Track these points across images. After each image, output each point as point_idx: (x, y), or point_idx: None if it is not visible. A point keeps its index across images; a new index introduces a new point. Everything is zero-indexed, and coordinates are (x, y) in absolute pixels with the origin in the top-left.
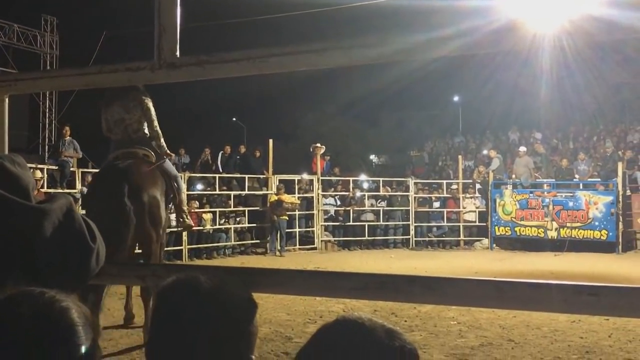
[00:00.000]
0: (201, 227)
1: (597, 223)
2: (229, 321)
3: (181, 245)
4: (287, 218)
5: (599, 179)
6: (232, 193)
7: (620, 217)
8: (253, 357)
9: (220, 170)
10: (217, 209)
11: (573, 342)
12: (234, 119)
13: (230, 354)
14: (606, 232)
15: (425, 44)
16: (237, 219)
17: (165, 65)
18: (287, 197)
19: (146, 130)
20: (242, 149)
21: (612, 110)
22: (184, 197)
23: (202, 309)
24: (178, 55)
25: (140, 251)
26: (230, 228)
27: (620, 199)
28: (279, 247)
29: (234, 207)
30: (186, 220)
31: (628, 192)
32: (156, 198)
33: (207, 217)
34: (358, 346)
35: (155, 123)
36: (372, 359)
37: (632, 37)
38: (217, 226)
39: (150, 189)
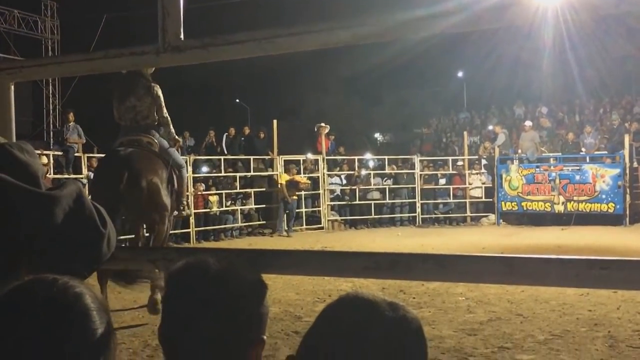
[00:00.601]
0: (208, 210)
1: (604, 196)
2: (239, 303)
3: (189, 228)
4: (297, 198)
5: (606, 152)
6: (238, 175)
7: (628, 190)
8: (264, 337)
9: (225, 152)
10: (224, 191)
11: (582, 315)
12: (237, 100)
13: (241, 335)
14: (613, 205)
15: (427, 20)
16: (244, 201)
17: (169, 48)
18: (300, 177)
19: (156, 117)
20: (247, 131)
21: (617, 83)
22: (184, 188)
23: (212, 291)
24: (182, 39)
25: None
26: (237, 210)
27: (628, 172)
28: (286, 227)
29: (240, 189)
30: (183, 211)
31: (635, 165)
32: (156, 184)
33: (214, 199)
34: (363, 320)
35: (165, 110)
36: (377, 330)
37: (638, 8)
38: (224, 208)
39: (150, 175)
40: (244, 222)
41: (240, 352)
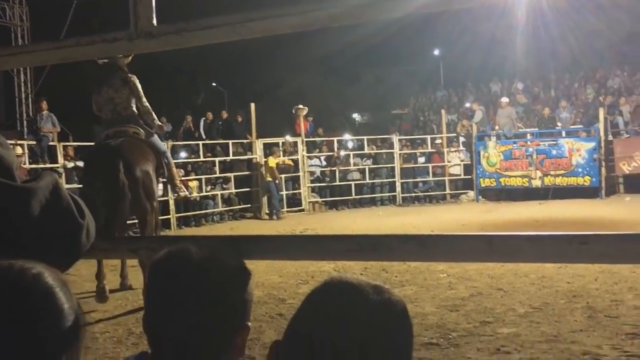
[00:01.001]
0: (188, 195)
1: (580, 169)
2: (222, 290)
3: (169, 215)
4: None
5: (581, 126)
6: (217, 159)
7: (603, 163)
8: (249, 323)
9: (204, 137)
10: (203, 176)
11: (560, 288)
12: (214, 84)
13: (226, 322)
14: (589, 178)
15: (402, 0)
16: (224, 185)
17: (142, 35)
18: (287, 160)
19: (134, 108)
20: (224, 115)
21: (590, 58)
22: (174, 171)
23: (195, 279)
24: (155, 24)
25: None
26: (217, 194)
27: (603, 145)
28: (274, 210)
29: (219, 173)
30: (180, 192)
31: (610, 138)
32: (149, 173)
33: (193, 184)
34: (348, 303)
35: (144, 99)
36: (362, 313)
37: None
38: (204, 193)
39: (143, 164)
40: (225, 207)
41: (224, 339)
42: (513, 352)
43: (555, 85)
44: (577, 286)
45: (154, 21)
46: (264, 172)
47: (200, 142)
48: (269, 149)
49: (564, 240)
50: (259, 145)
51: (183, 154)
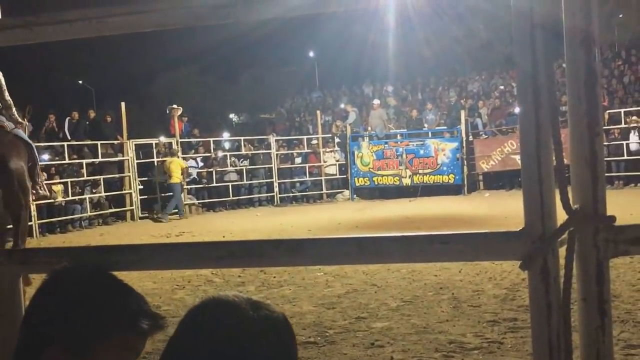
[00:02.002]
0: (52, 200)
1: (445, 168)
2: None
3: (30, 221)
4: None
5: (445, 127)
6: (85, 161)
7: (465, 162)
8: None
9: (69, 138)
10: (69, 180)
11: (429, 280)
12: (80, 81)
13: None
14: (453, 176)
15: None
16: (93, 189)
17: None
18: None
19: (4, 102)
20: (92, 114)
21: (453, 63)
22: (38, 167)
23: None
24: (0, 17)
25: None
26: (85, 198)
27: (464, 145)
28: (169, 211)
29: (87, 176)
30: (40, 190)
31: (471, 138)
32: (22, 167)
33: (58, 188)
34: (226, 323)
35: (7, 94)
36: (241, 332)
37: None
38: (70, 198)
39: (15, 158)
40: (94, 211)
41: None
42: (386, 346)
43: (422, 88)
44: (444, 278)
45: None
46: (165, 172)
47: (66, 143)
48: (141, 150)
49: (426, 241)
50: (130, 146)
51: (46, 156)
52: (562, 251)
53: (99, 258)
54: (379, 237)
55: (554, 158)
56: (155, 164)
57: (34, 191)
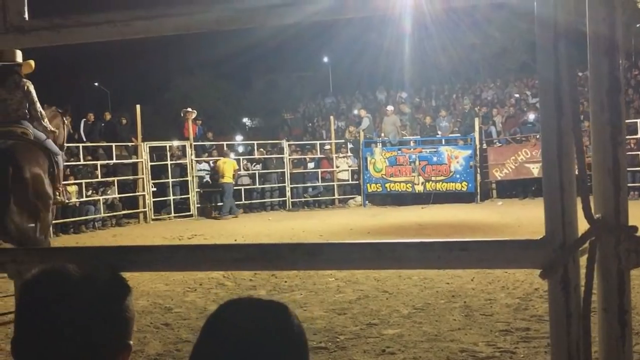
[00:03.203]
0: (66, 201)
1: (458, 176)
2: (100, 311)
3: None
4: None
5: (459, 135)
6: (99, 163)
7: (478, 170)
8: (130, 342)
9: (84, 139)
10: (83, 181)
11: (440, 288)
12: (96, 83)
13: (105, 344)
14: (466, 184)
15: (292, 7)
16: (106, 190)
17: (12, 29)
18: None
19: (27, 111)
20: (107, 116)
21: (467, 70)
22: (61, 174)
23: (71, 302)
24: (27, 18)
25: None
26: (99, 200)
27: (478, 153)
28: (231, 210)
29: (101, 178)
30: (58, 197)
31: (484, 146)
32: (39, 174)
33: (72, 189)
34: (246, 324)
35: (37, 105)
36: (259, 332)
37: (484, 2)
38: (84, 199)
39: (32, 166)
40: (108, 213)
41: None
42: (397, 353)
43: (436, 95)
44: (456, 286)
45: (26, 15)
46: (220, 172)
47: (81, 145)
48: (155, 152)
49: (445, 247)
50: (144, 148)
51: None
52: (583, 260)
53: (117, 258)
54: (397, 242)
55: (575, 167)
56: (211, 164)
57: (55, 196)
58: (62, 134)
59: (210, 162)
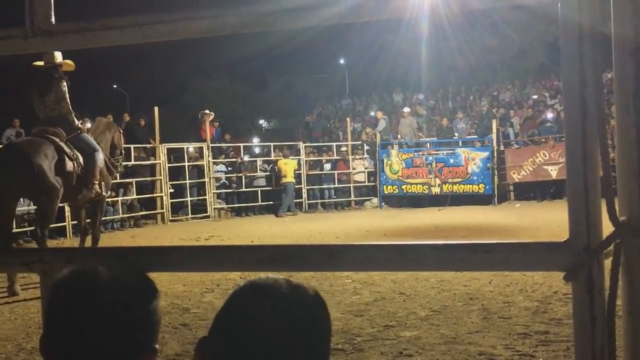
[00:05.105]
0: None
1: (475, 178)
2: (129, 314)
3: (64, 222)
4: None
5: (476, 136)
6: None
7: (496, 172)
8: (156, 346)
9: None
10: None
11: (458, 290)
12: (115, 86)
13: (132, 347)
14: (483, 186)
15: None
16: (125, 191)
17: (39, 33)
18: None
19: (62, 110)
20: (127, 118)
21: (484, 72)
22: (95, 171)
23: (99, 303)
24: (53, 22)
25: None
26: (118, 201)
27: (495, 155)
28: (290, 208)
29: (120, 179)
30: (91, 192)
31: (502, 148)
32: (41, 166)
33: None
34: (270, 302)
35: (67, 101)
36: (282, 313)
37: (500, 4)
38: None
39: (36, 158)
40: (126, 214)
41: None
42: (415, 355)
43: (452, 97)
44: (473, 289)
45: (52, 19)
46: (283, 173)
47: None
48: (173, 154)
49: (468, 250)
50: (162, 150)
51: None
52: (607, 263)
53: (142, 258)
54: (420, 244)
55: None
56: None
57: (85, 192)
58: (116, 141)
59: (226, 163)
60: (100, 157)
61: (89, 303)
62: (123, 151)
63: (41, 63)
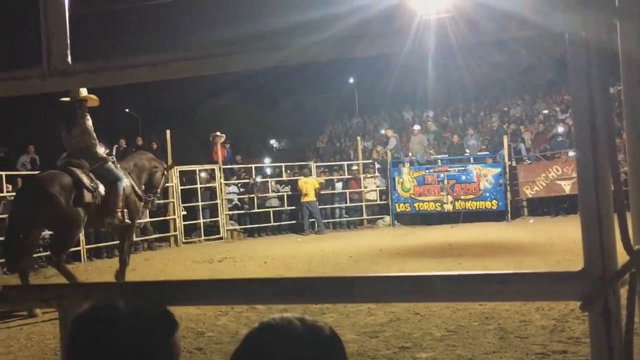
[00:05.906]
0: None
1: (487, 194)
2: (148, 347)
3: (79, 246)
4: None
5: (488, 152)
6: None
7: (508, 187)
8: None
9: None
10: None
11: (473, 310)
12: (127, 109)
13: None
14: (496, 202)
15: (327, 45)
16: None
17: (56, 73)
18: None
19: (87, 142)
20: (139, 141)
21: (494, 88)
22: (118, 199)
23: (119, 338)
24: (70, 62)
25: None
26: None
27: (507, 170)
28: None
29: None
30: (114, 220)
31: (514, 164)
32: (58, 198)
33: None
34: (283, 341)
35: (92, 135)
36: (297, 349)
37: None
38: None
39: (54, 190)
40: (140, 237)
41: None
42: None
43: (462, 113)
44: (489, 308)
45: (69, 59)
46: (304, 192)
47: None
48: (185, 176)
49: (483, 280)
50: (174, 172)
51: None
52: (624, 291)
53: (159, 293)
54: (433, 275)
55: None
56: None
57: (108, 220)
58: (155, 179)
59: (239, 184)
60: (123, 185)
61: (109, 338)
62: (159, 192)
63: (67, 99)
